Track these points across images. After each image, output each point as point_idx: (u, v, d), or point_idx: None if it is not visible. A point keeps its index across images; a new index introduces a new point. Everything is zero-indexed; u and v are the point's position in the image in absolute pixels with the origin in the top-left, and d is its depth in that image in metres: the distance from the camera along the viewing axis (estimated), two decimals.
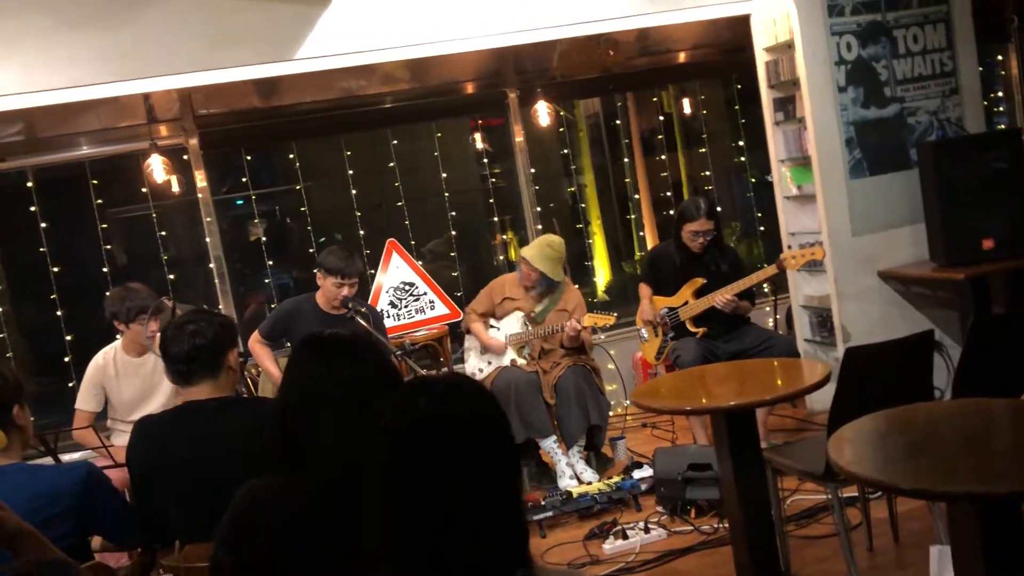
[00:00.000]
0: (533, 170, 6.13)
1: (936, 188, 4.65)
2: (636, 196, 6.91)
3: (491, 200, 6.39)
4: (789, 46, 5.00)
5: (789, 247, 5.20)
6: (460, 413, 1.19)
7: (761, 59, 5.22)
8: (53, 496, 2.30)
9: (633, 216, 6.98)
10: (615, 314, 4.62)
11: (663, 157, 6.78)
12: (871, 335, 4.77)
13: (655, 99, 6.71)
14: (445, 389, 1.24)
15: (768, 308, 5.91)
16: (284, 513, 1.61)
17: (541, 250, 4.73)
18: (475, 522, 1.13)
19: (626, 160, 7.00)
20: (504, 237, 6.71)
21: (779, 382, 3.20)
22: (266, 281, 5.91)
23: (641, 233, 7.04)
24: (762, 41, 5.21)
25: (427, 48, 4.68)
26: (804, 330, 5.37)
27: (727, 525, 3.79)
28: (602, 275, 7.17)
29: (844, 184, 4.89)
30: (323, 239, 5.96)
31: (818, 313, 5.27)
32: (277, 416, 1.73)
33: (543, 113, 5.79)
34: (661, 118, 6.72)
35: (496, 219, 6.51)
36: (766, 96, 5.24)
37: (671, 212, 6.69)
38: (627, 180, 6.91)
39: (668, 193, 6.80)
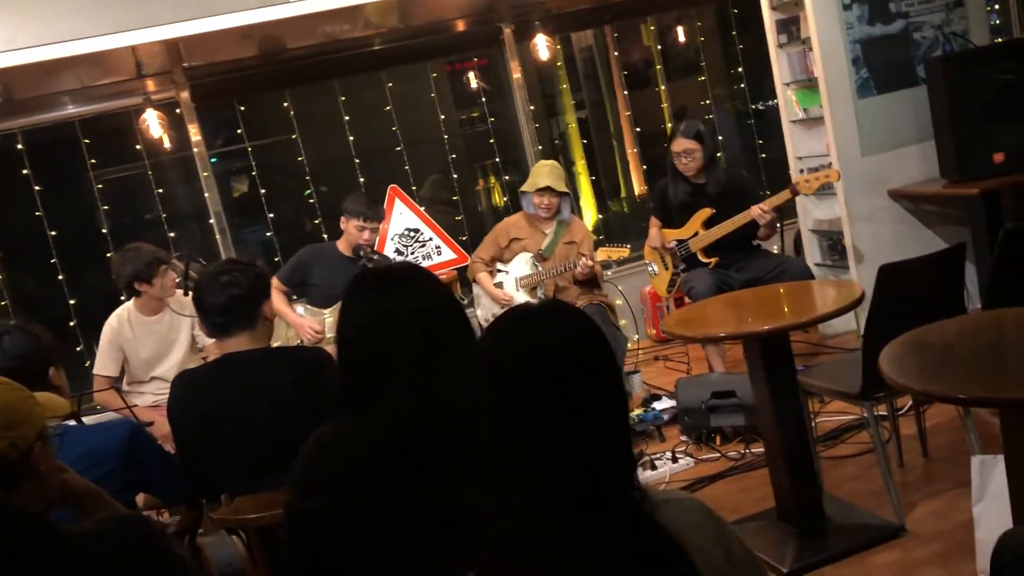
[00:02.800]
0: (532, 107, 6.03)
1: (945, 104, 4.60)
2: (633, 131, 6.82)
3: (491, 140, 6.28)
4: None
5: (801, 172, 5.16)
6: (577, 335, 1.17)
7: None
8: (99, 455, 2.27)
9: (622, 152, 6.89)
10: (628, 245, 4.57)
11: (657, 89, 6.68)
12: (883, 256, 4.74)
13: (652, 27, 6.57)
14: (554, 315, 1.21)
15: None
16: (357, 457, 1.58)
17: (551, 171, 4.70)
18: (597, 443, 1.11)
19: (625, 93, 6.88)
20: (500, 180, 6.63)
21: (808, 305, 3.19)
22: (267, 235, 5.83)
23: (637, 170, 6.96)
24: None
25: None
26: (814, 254, 5.36)
27: (754, 450, 3.83)
28: (588, 215, 7.11)
29: (852, 104, 4.83)
30: (318, 189, 5.86)
31: (828, 236, 5.25)
32: (339, 359, 1.68)
33: (542, 47, 5.66)
34: (659, 47, 6.59)
35: (492, 160, 6.41)
36: (768, 18, 5.15)
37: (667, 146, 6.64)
38: (625, 114, 6.81)
39: (668, 125, 6.71)
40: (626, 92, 6.85)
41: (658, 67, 6.74)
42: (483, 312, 4.89)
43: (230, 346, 2.46)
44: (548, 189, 4.65)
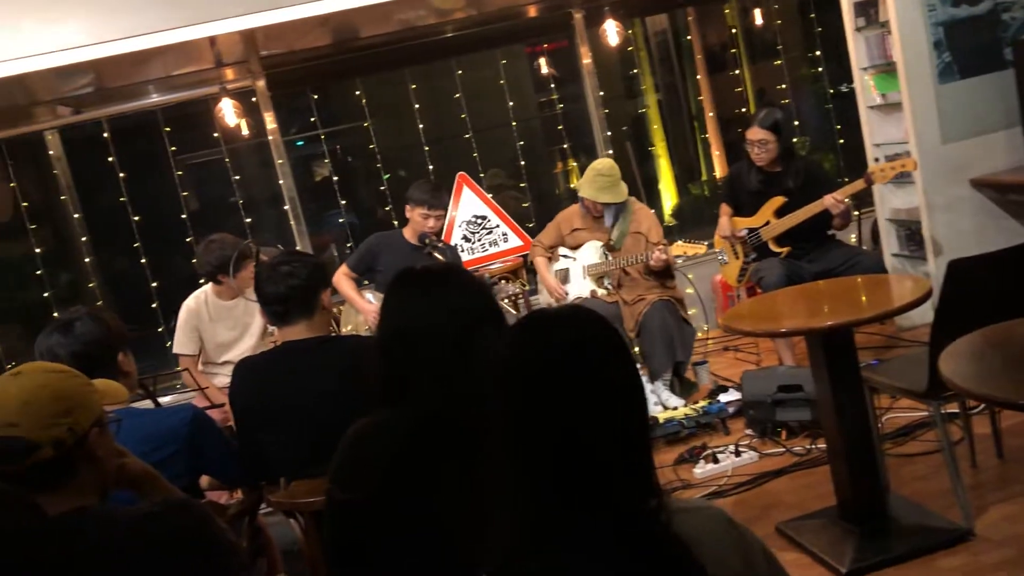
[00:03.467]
0: (602, 93, 5.98)
1: None
2: (711, 114, 6.71)
3: (560, 127, 6.26)
4: None
5: (876, 160, 5.00)
6: (589, 342, 1.16)
7: None
8: (163, 439, 2.36)
9: (701, 136, 6.79)
10: (705, 243, 4.52)
11: (736, 72, 6.55)
12: (964, 247, 4.57)
13: (727, 11, 6.44)
14: (568, 320, 1.20)
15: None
16: (390, 449, 1.61)
17: (592, 182, 4.63)
18: (609, 451, 1.10)
19: (699, 77, 6.77)
20: (565, 166, 6.60)
21: (875, 299, 3.09)
22: (340, 221, 5.94)
23: (716, 153, 6.85)
24: None
25: None
26: (891, 244, 5.19)
27: (820, 446, 3.75)
28: (668, 198, 7.03)
29: (932, 89, 4.65)
30: (387, 175, 5.94)
31: (906, 226, 5.08)
32: (377, 352, 1.72)
33: (612, 32, 5.60)
34: (734, 31, 6.46)
35: (562, 146, 6.39)
36: (846, 0, 4.98)
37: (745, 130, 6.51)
38: (700, 98, 6.70)
39: (743, 109, 6.58)
40: (703, 75, 6.75)
41: (732, 51, 6.61)
42: (544, 300, 4.90)
43: (289, 334, 2.52)
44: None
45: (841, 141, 6.45)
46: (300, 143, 6.09)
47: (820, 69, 6.44)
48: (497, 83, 6.09)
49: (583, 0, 5.83)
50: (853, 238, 5.67)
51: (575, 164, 6.46)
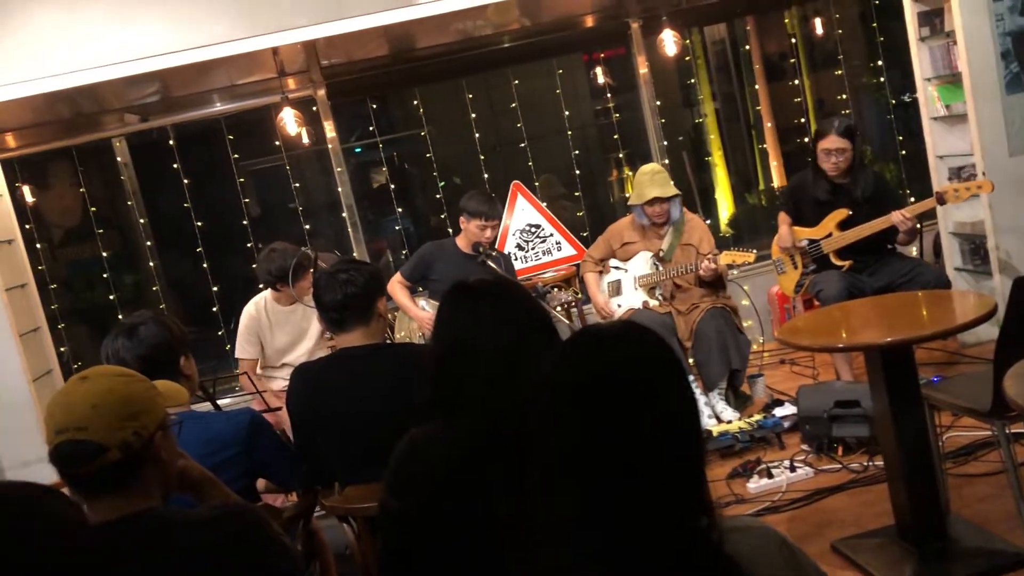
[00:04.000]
0: (659, 102, 5.96)
1: None
2: (769, 124, 6.63)
3: (615, 136, 6.25)
4: None
5: (950, 179, 4.88)
6: (640, 359, 1.16)
7: None
8: (222, 442, 2.41)
9: (759, 145, 6.72)
10: (754, 251, 4.47)
11: (795, 82, 6.47)
12: None
13: (787, 20, 6.36)
14: (620, 337, 1.20)
15: None
16: (442, 461, 1.63)
17: (652, 178, 4.61)
18: (660, 469, 1.10)
19: (756, 87, 6.71)
20: (621, 174, 6.58)
21: (937, 315, 3.03)
22: (396, 228, 6.01)
23: (774, 163, 6.77)
24: None
25: None
26: (954, 258, 5.08)
27: (878, 463, 3.68)
28: (725, 208, 6.96)
29: (1000, 100, 4.54)
30: (443, 183, 5.99)
31: (970, 240, 4.97)
32: (430, 364, 1.74)
33: (669, 42, 5.57)
34: (794, 40, 6.38)
35: (617, 155, 6.37)
36: (910, 10, 4.90)
37: (805, 139, 6.42)
38: (758, 108, 6.63)
39: (802, 119, 6.50)
40: (762, 84, 6.69)
41: (791, 60, 6.53)
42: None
43: (345, 341, 2.56)
44: (656, 199, 4.60)
45: (903, 152, 6.33)
46: (358, 150, 6.18)
47: (882, 79, 6.33)
48: (553, 92, 6.11)
49: (640, 10, 5.82)
50: (914, 251, 5.56)
51: (630, 173, 6.45)
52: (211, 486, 1.93)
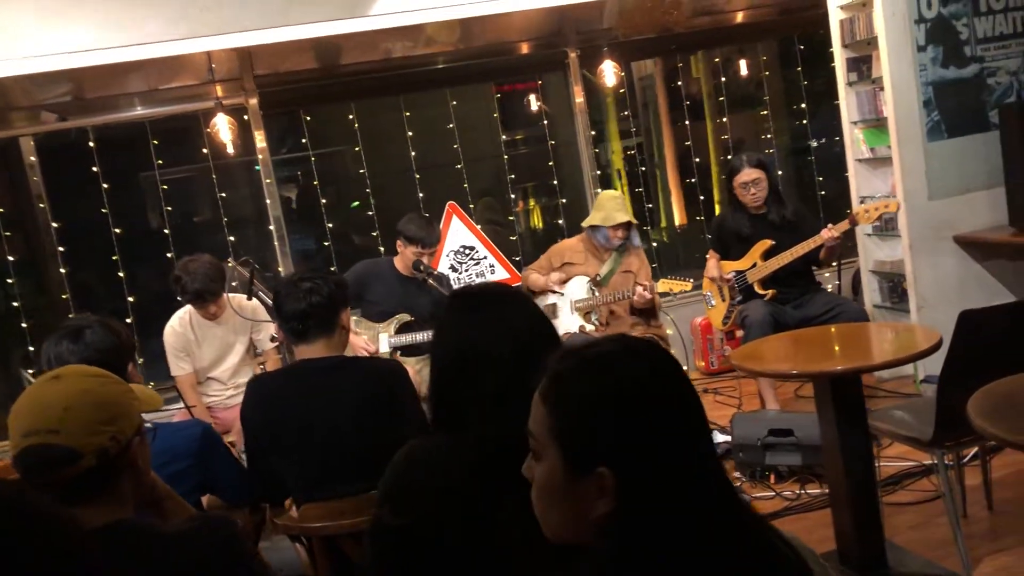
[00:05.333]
0: (593, 133, 6.04)
1: (1018, 151, 4.53)
2: (673, 161, 6.78)
3: (552, 165, 6.27)
4: (864, 4, 4.86)
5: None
6: (652, 369, 1.17)
7: (836, 17, 5.07)
8: (173, 454, 2.28)
9: (662, 183, 6.85)
10: (691, 279, 4.55)
11: (713, 121, 6.64)
12: (946, 302, 4.70)
13: (717, 59, 6.54)
14: (631, 349, 1.21)
15: (828, 274, 5.81)
16: (449, 472, 1.57)
17: (613, 202, 4.70)
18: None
19: (664, 125, 6.86)
20: (539, 203, 6.61)
21: (886, 347, 3.13)
22: (326, 244, 5.86)
23: (676, 201, 6.90)
24: None
25: (489, 6, 4.60)
26: (873, 296, 5.28)
27: (811, 491, 3.76)
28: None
29: (921, 146, 4.77)
30: (355, 204, 5.88)
31: (889, 279, 5.18)
32: (434, 377, 1.68)
33: (609, 73, 5.66)
34: (719, 79, 6.56)
35: (528, 185, 6.40)
36: (840, 56, 5.11)
37: (724, 177, 6.58)
38: (666, 145, 6.79)
39: (716, 158, 6.67)
40: (675, 123, 6.84)
41: (705, 99, 6.70)
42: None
43: (307, 352, 2.46)
44: (620, 225, 4.66)
45: (822, 193, 6.57)
46: (287, 164, 6.02)
47: (804, 121, 6.57)
48: (490, 116, 6.10)
49: (579, 40, 5.90)
50: (830, 287, 5.76)
51: (538, 203, 6.54)
52: (174, 502, 1.81)
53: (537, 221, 6.78)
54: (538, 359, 1.64)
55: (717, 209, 6.87)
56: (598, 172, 6.18)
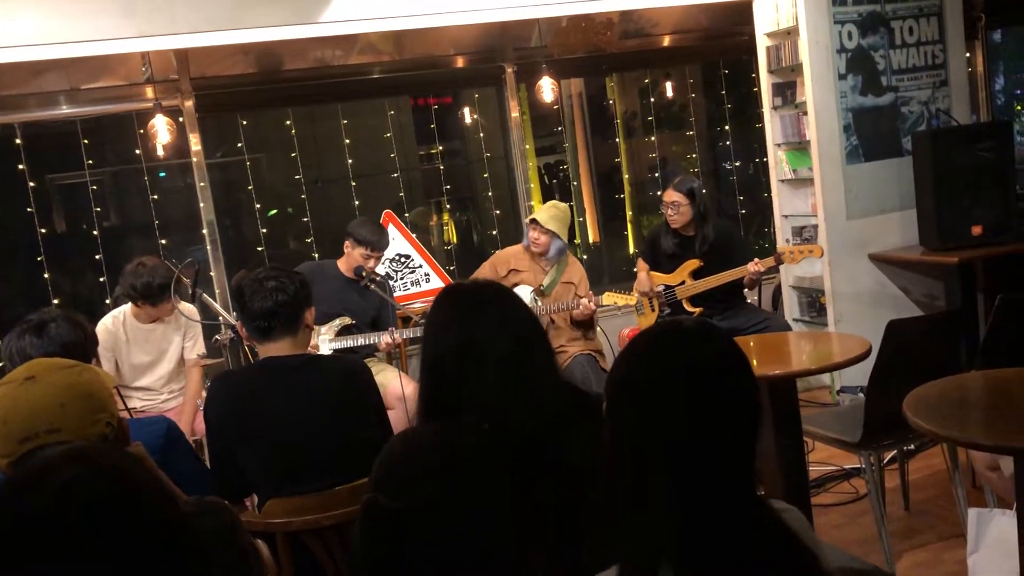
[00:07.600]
0: (528, 145, 6.15)
1: (929, 175, 4.84)
2: (588, 178, 6.97)
3: (487, 177, 6.37)
4: (790, 33, 5.13)
5: (787, 240, 5.34)
6: (725, 351, 1.26)
7: (762, 44, 5.34)
8: None
9: (577, 199, 7.03)
10: (636, 293, 4.70)
11: (653, 138, 6.86)
12: (861, 316, 4.98)
13: (647, 80, 6.76)
14: (703, 331, 1.30)
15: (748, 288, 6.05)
16: (449, 456, 1.62)
17: (548, 211, 4.79)
18: (734, 455, 1.20)
19: (579, 142, 7.06)
20: (442, 219, 6.69)
21: (819, 353, 3.31)
22: (258, 249, 5.81)
23: (590, 218, 7.10)
24: (764, 26, 5.33)
25: (431, 19, 4.68)
26: (793, 309, 5.54)
27: None
28: None
29: (840, 169, 5.05)
30: (272, 212, 5.86)
31: (808, 294, 5.44)
32: (429, 372, 1.74)
33: (547, 89, 5.80)
34: (653, 99, 6.78)
35: (446, 198, 6.49)
36: (766, 81, 5.37)
37: (655, 193, 6.80)
38: (580, 162, 6.98)
39: (657, 174, 6.89)
40: (605, 140, 7.02)
41: (649, 119, 6.92)
42: None
43: (272, 350, 2.48)
44: (535, 223, 4.75)
45: (743, 212, 6.85)
46: (222, 167, 5.96)
47: (728, 143, 6.84)
48: (428, 127, 6.17)
49: (516, 56, 6.02)
50: (750, 300, 6.00)
51: (447, 219, 6.63)
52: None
53: (472, 232, 6.86)
54: (534, 352, 1.74)
55: (630, 228, 7.10)
56: (530, 185, 6.30)
